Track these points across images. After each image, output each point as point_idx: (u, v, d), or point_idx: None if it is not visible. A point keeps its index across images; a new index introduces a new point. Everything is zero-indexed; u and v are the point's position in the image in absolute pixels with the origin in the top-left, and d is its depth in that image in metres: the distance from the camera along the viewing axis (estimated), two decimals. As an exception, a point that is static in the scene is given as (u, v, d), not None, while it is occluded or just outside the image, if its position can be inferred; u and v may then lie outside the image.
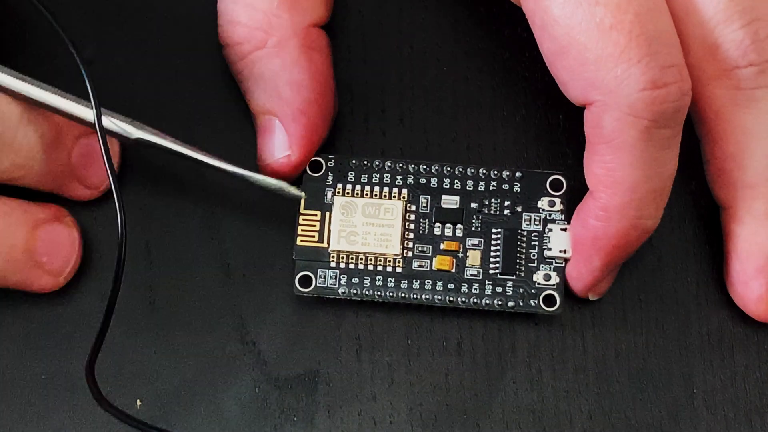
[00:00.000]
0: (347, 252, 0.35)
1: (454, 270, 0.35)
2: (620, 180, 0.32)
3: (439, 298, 0.35)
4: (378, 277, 0.35)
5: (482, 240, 0.35)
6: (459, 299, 0.35)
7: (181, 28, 0.38)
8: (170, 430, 0.35)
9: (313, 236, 0.36)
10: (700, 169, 0.36)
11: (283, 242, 0.36)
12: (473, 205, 0.36)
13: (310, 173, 0.36)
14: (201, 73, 0.38)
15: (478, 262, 0.35)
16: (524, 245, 0.35)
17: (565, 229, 0.35)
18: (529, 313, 0.35)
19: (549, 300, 0.35)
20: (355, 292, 0.35)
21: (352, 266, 0.35)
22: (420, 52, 0.38)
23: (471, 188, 0.36)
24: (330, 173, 0.36)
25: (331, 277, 0.35)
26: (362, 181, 0.36)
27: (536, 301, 0.35)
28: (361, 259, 0.35)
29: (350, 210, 0.36)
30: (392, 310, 0.36)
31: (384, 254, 0.35)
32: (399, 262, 0.35)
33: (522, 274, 0.35)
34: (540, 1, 0.31)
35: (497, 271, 0.35)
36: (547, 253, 0.35)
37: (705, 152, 0.35)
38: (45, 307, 0.36)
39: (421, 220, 0.36)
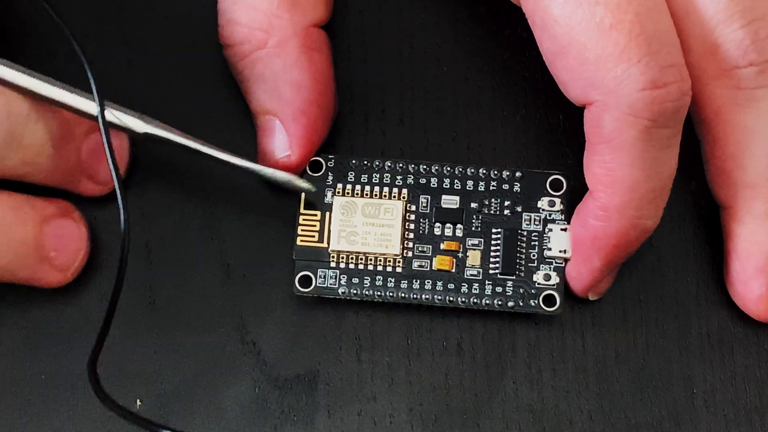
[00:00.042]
0: (347, 252, 0.35)
1: (454, 270, 0.35)
2: (620, 180, 0.32)
3: (439, 298, 0.35)
4: (378, 277, 0.35)
5: (482, 240, 0.35)
6: (459, 299, 0.35)
7: (181, 28, 0.38)
8: (168, 426, 0.35)
9: (313, 236, 0.36)
10: (700, 169, 0.36)
11: (283, 242, 0.36)
12: (473, 205, 0.36)
13: (310, 173, 0.36)
14: (201, 73, 0.38)
15: (478, 262, 0.35)
16: (524, 245, 0.35)
17: (565, 229, 0.35)
18: (529, 313, 0.35)
19: (549, 300, 0.35)
20: (355, 292, 0.35)
21: (352, 266, 0.35)
22: (420, 52, 0.38)
23: (471, 188, 0.36)
24: (330, 173, 0.36)
25: (331, 277, 0.35)
26: (362, 181, 0.36)
27: (536, 301, 0.35)
28: (361, 259, 0.35)
29: (350, 210, 0.36)
30: (392, 310, 0.36)
31: (384, 254, 0.35)
32: (399, 262, 0.35)
33: (522, 274, 0.35)
34: (540, 1, 0.31)
35: (497, 271, 0.35)
36: (547, 253, 0.35)
37: (705, 152, 0.35)
38: (45, 306, 0.36)
39: (421, 220, 0.36)
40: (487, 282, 0.35)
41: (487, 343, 0.36)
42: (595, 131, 0.32)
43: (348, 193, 0.36)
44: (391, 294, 0.35)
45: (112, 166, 0.33)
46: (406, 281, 0.35)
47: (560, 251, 0.35)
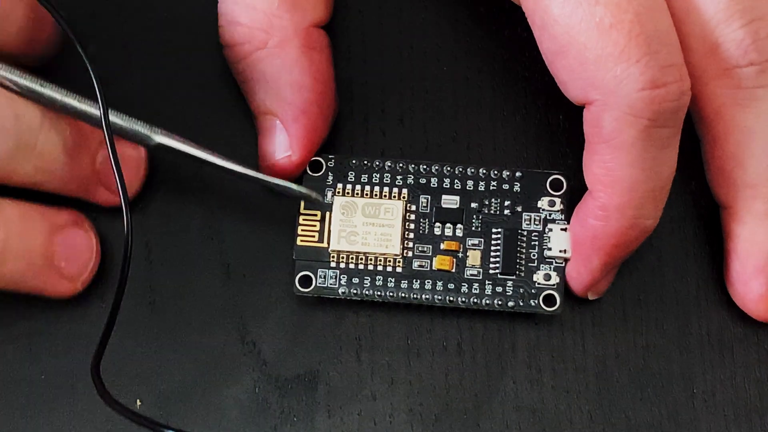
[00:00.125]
0: (347, 252, 0.35)
1: (454, 270, 0.35)
2: (619, 179, 0.32)
3: (439, 298, 0.35)
4: (378, 277, 0.35)
5: (482, 240, 0.35)
6: (459, 299, 0.35)
7: (181, 28, 0.38)
8: (171, 426, 0.35)
9: (313, 236, 0.36)
10: (700, 169, 0.36)
11: (283, 242, 0.36)
12: (473, 205, 0.36)
13: (310, 173, 0.36)
14: (201, 73, 0.38)
15: (478, 262, 0.35)
16: (524, 245, 0.35)
17: (565, 229, 0.35)
18: (529, 313, 0.35)
19: (549, 300, 0.35)
20: (355, 292, 0.35)
21: (352, 266, 0.35)
22: (420, 52, 0.38)
23: (471, 188, 0.36)
24: (330, 173, 0.36)
25: (331, 277, 0.36)
26: (362, 181, 0.36)
27: (536, 301, 0.35)
28: (361, 259, 0.35)
29: (350, 210, 0.36)
30: (392, 310, 0.36)
31: (384, 254, 0.35)
32: (399, 262, 0.35)
33: (522, 274, 0.35)
34: (540, 1, 0.31)
35: (497, 271, 0.35)
36: (547, 253, 0.35)
37: (705, 152, 0.35)
38: (45, 306, 0.36)
39: (421, 220, 0.36)
40: (487, 282, 0.35)
41: (487, 343, 0.36)
42: (595, 131, 0.32)
43: (348, 193, 0.36)
44: (391, 294, 0.35)
45: (115, 170, 0.33)
46: (406, 281, 0.35)
47: (560, 251, 0.35)
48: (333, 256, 0.35)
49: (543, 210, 0.35)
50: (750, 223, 0.34)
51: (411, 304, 0.36)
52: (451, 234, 0.36)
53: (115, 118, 0.34)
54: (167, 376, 0.36)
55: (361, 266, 0.35)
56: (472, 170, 0.36)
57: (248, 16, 0.35)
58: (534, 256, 0.35)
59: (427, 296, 0.35)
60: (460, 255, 0.35)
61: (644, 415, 0.36)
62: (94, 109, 0.34)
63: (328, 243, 0.35)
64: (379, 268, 0.35)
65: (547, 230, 0.35)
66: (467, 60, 0.38)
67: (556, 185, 0.36)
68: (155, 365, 0.36)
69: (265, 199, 0.36)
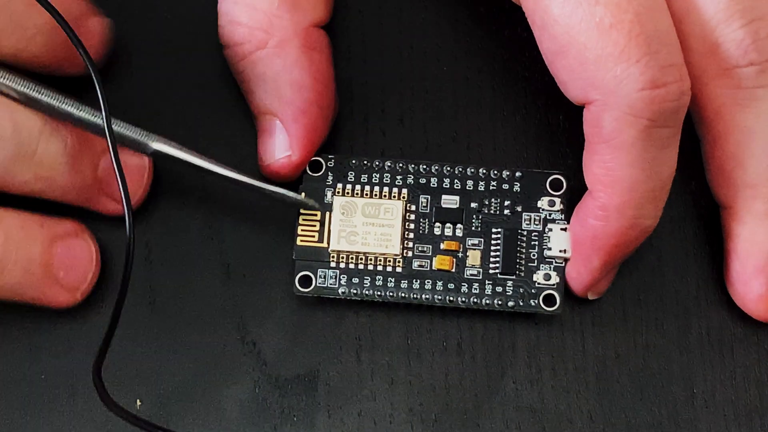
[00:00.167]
0: (347, 252, 0.35)
1: (454, 270, 0.35)
2: (619, 179, 0.32)
3: (439, 298, 0.35)
4: (378, 277, 0.35)
5: (482, 240, 0.35)
6: (459, 299, 0.35)
7: (181, 28, 0.38)
8: (174, 430, 0.36)
9: (313, 236, 0.36)
10: (700, 169, 0.36)
11: (283, 242, 0.36)
12: (473, 204, 0.36)
13: (310, 173, 0.36)
14: (201, 73, 0.38)
15: (478, 262, 0.35)
16: (524, 245, 0.35)
17: (565, 229, 0.35)
18: (529, 313, 0.35)
19: (549, 300, 0.35)
20: (355, 292, 0.35)
21: (352, 266, 0.35)
22: (420, 52, 0.38)
23: (471, 188, 0.36)
24: (330, 173, 0.36)
25: (331, 277, 0.36)
26: (362, 181, 0.36)
27: (536, 301, 0.35)
28: (361, 259, 0.35)
29: (350, 210, 0.36)
30: (392, 310, 0.36)
31: (384, 254, 0.35)
32: (399, 262, 0.35)
33: (522, 274, 0.35)
34: (540, 1, 0.31)
35: (497, 270, 0.35)
36: (547, 252, 0.35)
37: (705, 152, 0.35)
38: (45, 307, 0.36)
39: (421, 219, 0.36)
40: (487, 282, 0.35)
41: (487, 343, 0.36)
42: (595, 131, 0.32)
43: (348, 193, 0.36)
44: (391, 294, 0.35)
45: (118, 176, 0.33)
46: (406, 281, 0.35)
47: (560, 251, 0.35)
48: (333, 256, 0.35)
49: (543, 210, 0.35)
50: (750, 223, 0.34)
51: (411, 304, 0.36)
52: (451, 234, 0.36)
53: (113, 125, 0.34)
54: (167, 376, 0.36)
55: (361, 266, 0.35)
56: (472, 170, 0.36)
57: (248, 16, 0.35)
58: (534, 256, 0.35)
59: (427, 296, 0.35)
60: (460, 255, 0.35)
61: (644, 415, 0.36)
62: (93, 117, 0.34)
63: (328, 243, 0.36)
64: (379, 268, 0.35)
65: (547, 230, 0.35)
66: (467, 60, 0.38)
67: (556, 185, 0.36)
68: (155, 365, 0.36)
69: (265, 200, 0.36)
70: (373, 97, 0.38)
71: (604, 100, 0.31)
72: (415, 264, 0.35)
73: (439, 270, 0.35)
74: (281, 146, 0.35)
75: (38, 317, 0.36)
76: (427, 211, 0.36)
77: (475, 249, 0.35)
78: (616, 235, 0.33)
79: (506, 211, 0.36)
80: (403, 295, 0.35)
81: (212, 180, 0.36)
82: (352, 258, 0.35)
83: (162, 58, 0.38)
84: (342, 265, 0.35)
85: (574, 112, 0.33)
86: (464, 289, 0.35)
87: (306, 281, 0.36)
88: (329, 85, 0.36)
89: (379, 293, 0.35)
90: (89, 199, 0.36)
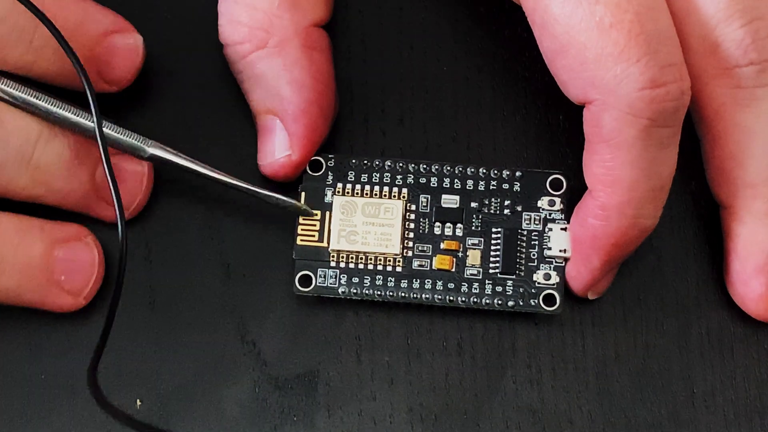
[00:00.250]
0: (347, 251, 0.35)
1: (454, 269, 0.35)
2: (619, 179, 0.32)
3: (439, 297, 0.35)
4: (378, 277, 0.35)
5: (482, 239, 0.35)
6: (459, 299, 0.35)
7: (181, 28, 0.38)
8: (172, 431, 0.36)
9: (313, 236, 0.36)
10: (700, 169, 0.36)
11: (283, 242, 0.36)
12: (473, 204, 0.36)
13: (310, 173, 0.36)
14: (201, 73, 0.38)
15: (478, 262, 0.35)
16: (524, 245, 0.35)
17: (565, 229, 0.35)
18: (529, 313, 0.35)
19: (549, 299, 0.35)
20: (355, 291, 0.35)
21: (352, 266, 0.35)
22: (420, 52, 0.38)
23: (471, 188, 0.36)
24: (330, 173, 0.36)
25: (331, 277, 0.36)
26: (362, 180, 0.36)
27: (536, 301, 0.35)
28: (361, 258, 0.35)
29: (350, 209, 0.36)
30: (392, 310, 0.36)
31: (384, 254, 0.35)
32: (399, 261, 0.35)
33: (522, 274, 0.35)
34: (540, 0, 0.31)
35: (497, 270, 0.35)
36: (547, 252, 0.35)
37: (705, 151, 0.35)
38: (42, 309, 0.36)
39: (421, 219, 0.36)
40: (487, 281, 0.35)
41: (487, 343, 0.36)
42: (595, 130, 0.32)
43: (348, 193, 0.36)
44: (391, 294, 0.35)
45: (109, 179, 0.33)
46: (406, 281, 0.35)
47: (560, 251, 0.35)
48: (333, 256, 0.35)
49: (543, 210, 0.35)
50: (750, 222, 0.34)
51: (411, 304, 0.36)
52: (451, 234, 0.36)
53: (109, 130, 0.35)
54: (167, 376, 0.36)
55: (361, 266, 0.35)
56: (472, 170, 0.36)
57: (248, 16, 0.35)
58: (534, 255, 0.35)
59: (427, 296, 0.35)
60: (460, 255, 0.35)
61: (644, 415, 0.36)
62: (88, 122, 0.34)
63: (328, 242, 0.36)
64: (379, 267, 0.35)
65: (547, 230, 0.35)
66: (467, 60, 0.38)
67: (556, 185, 0.36)
68: (155, 365, 0.36)
69: (265, 201, 0.36)
70: (373, 97, 0.38)
71: (604, 100, 0.31)
72: (415, 264, 0.35)
73: (439, 270, 0.35)
74: (281, 146, 0.35)
75: (38, 318, 0.36)
76: (427, 210, 0.36)
77: (475, 249, 0.35)
78: (616, 235, 0.33)
79: (506, 211, 0.36)
80: (403, 294, 0.35)
81: (211, 182, 0.36)
82: (352, 258, 0.35)
83: (162, 58, 0.38)
84: (342, 265, 0.35)
85: (574, 112, 0.33)
86: (464, 288, 0.35)
87: (306, 281, 0.36)
88: (329, 85, 0.36)
89: (379, 293, 0.35)
90: (88, 206, 0.36)
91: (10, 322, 0.37)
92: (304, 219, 0.36)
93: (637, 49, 0.31)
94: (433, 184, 0.36)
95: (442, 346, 0.36)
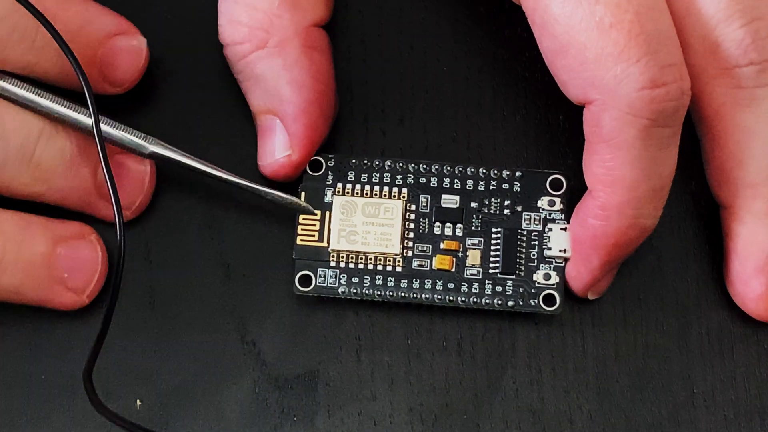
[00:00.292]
0: (347, 251, 0.35)
1: (453, 269, 0.35)
2: (619, 179, 0.32)
3: (439, 297, 0.35)
4: (378, 277, 0.35)
5: (482, 239, 0.35)
6: (459, 299, 0.35)
7: (181, 28, 0.38)
8: (166, 430, 0.36)
9: (313, 235, 0.36)
10: (700, 169, 0.36)
11: (283, 242, 0.36)
12: (473, 204, 0.36)
13: (310, 173, 0.36)
14: (201, 73, 0.38)
15: (478, 262, 0.35)
16: (524, 245, 0.35)
17: (565, 229, 0.35)
18: (529, 313, 0.35)
19: (549, 299, 0.35)
20: (355, 291, 0.35)
21: (352, 265, 0.35)
22: (420, 52, 0.38)
23: (471, 188, 0.36)
24: (330, 173, 0.36)
25: (330, 277, 0.36)
26: (362, 180, 0.36)
27: (536, 301, 0.35)
28: (361, 258, 0.35)
29: (350, 209, 0.36)
30: (392, 309, 0.36)
31: (384, 254, 0.35)
32: (399, 261, 0.35)
33: (522, 274, 0.35)
34: (540, 0, 0.31)
35: (497, 270, 0.35)
36: (547, 252, 0.35)
37: (705, 151, 0.35)
38: (45, 308, 0.36)
39: (421, 219, 0.36)
40: (487, 281, 0.35)
41: (487, 343, 0.36)
42: (595, 130, 0.32)
43: (348, 193, 0.36)
44: (391, 293, 0.35)
45: (106, 175, 0.33)
46: (406, 281, 0.35)
47: (560, 251, 0.35)
48: (333, 256, 0.35)
49: (543, 210, 0.35)
50: (750, 222, 0.34)
51: (411, 304, 0.36)
52: (450, 233, 0.36)
53: (109, 127, 0.35)
54: (167, 376, 0.36)
55: (360, 266, 0.35)
56: (472, 170, 0.36)
57: (248, 16, 0.35)
58: (534, 255, 0.35)
59: (427, 296, 0.35)
60: (460, 254, 0.35)
61: (644, 415, 0.36)
62: (88, 120, 0.34)
63: (328, 242, 0.36)
64: (379, 267, 0.35)
65: (546, 230, 0.35)
66: (467, 60, 0.38)
67: (556, 185, 0.36)
68: (155, 365, 0.36)
69: (265, 201, 0.36)
70: (373, 97, 0.38)
71: (603, 100, 0.31)
72: (415, 263, 0.35)
73: (439, 270, 0.35)
74: (281, 145, 0.35)
75: (38, 317, 0.36)
76: (427, 210, 0.36)
77: (475, 249, 0.35)
78: (615, 235, 0.33)
79: (506, 211, 0.36)
80: (403, 294, 0.35)
81: (211, 180, 0.36)
82: (352, 257, 0.35)
83: (162, 59, 0.38)
84: (342, 265, 0.35)
85: (574, 112, 0.33)
86: (464, 288, 0.35)
87: (306, 281, 0.36)
88: (329, 85, 0.36)
89: (379, 293, 0.35)
90: (89, 204, 0.36)
91: (10, 322, 0.37)
92: (304, 219, 0.36)
93: (637, 49, 0.31)
94: (433, 184, 0.36)
95: (442, 346, 0.36)
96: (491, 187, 0.36)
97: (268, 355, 0.36)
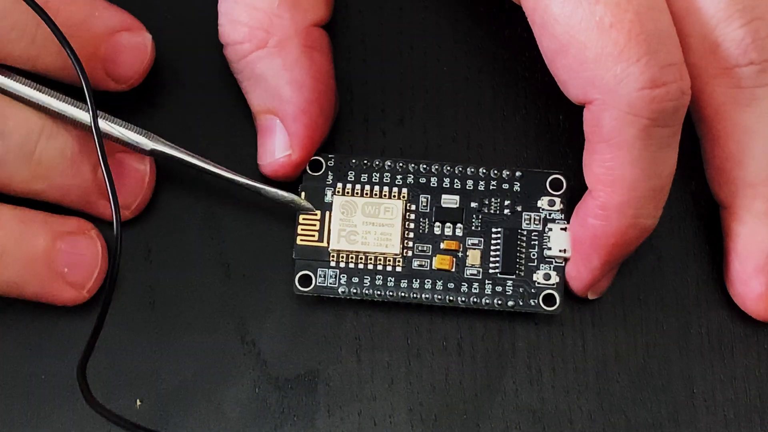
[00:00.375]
0: (347, 251, 0.35)
1: (453, 269, 0.35)
2: (619, 179, 0.32)
3: (439, 297, 0.35)
4: (378, 277, 0.35)
5: (482, 239, 0.35)
6: (459, 299, 0.35)
7: (181, 28, 0.38)
8: (165, 429, 0.35)
9: (313, 235, 0.36)
10: (700, 169, 0.36)
11: (283, 242, 0.36)
12: (473, 204, 0.36)
13: (310, 173, 0.36)
14: (201, 73, 0.38)
15: (478, 262, 0.35)
16: (524, 245, 0.35)
17: (565, 229, 0.35)
18: (529, 313, 0.35)
19: (549, 299, 0.35)
20: (354, 291, 0.35)
21: (352, 265, 0.35)
22: (420, 52, 0.38)
23: (471, 188, 0.36)
24: (330, 172, 0.36)
25: (330, 277, 0.36)
26: (362, 180, 0.36)
27: (536, 301, 0.35)
28: (361, 258, 0.35)
29: (350, 209, 0.36)
30: (392, 309, 0.36)
31: (384, 253, 0.35)
32: (399, 261, 0.35)
33: (522, 274, 0.35)
34: (540, 0, 0.31)
35: (497, 270, 0.35)
36: (547, 252, 0.35)
37: (705, 151, 0.35)
38: (45, 306, 0.36)
39: (421, 219, 0.36)
40: (487, 281, 0.35)
41: (487, 343, 0.36)
42: (595, 130, 0.32)
43: (348, 193, 0.36)
44: (391, 293, 0.35)
45: (104, 171, 0.33)
46: (406, 280, 0.35)
47: (560, 251, 0.35)
48: (333, 256, 0.35)
49: (543, 210, 0.35)
50: (750, 222, 0.34)
51: (411, 304, 0.36)
52: (450, 233, 0.36)
53: (110, 123, 0.35)
54: (167, 376, 0.36)
55: (360, 265, 0.35)
56: (472, 170, 0.36)
57: (249, 15, 0.35)
58: (534, 255, 0.35)
59: (427, 296, 0.35)
60: (460, 254, 0.35)
61: (644, 415, 0.36)
62: (88, 116, 0.34)
63: (328, 242, 0.36)
64: (379, 267, 0.35)
65: (546, 230, 0.35)
66: (467, 60, 0.38)
67: (556, 185, 0.36)
68: (155, 365, 0.36)
69: (265, 200, 0.36)
70: (373, 97, 0.38)
71: (603, 100, 0.31)
72: (415, 263, 0.35)
73: (439, 270, 0.35)
74: (281, 145, 0.35)
75: (38, 317, 0.36)
76: (427, 210, 0.36)
77: (475, 249, 0.35)
78: (616, 235, 0.33)
79: (506, 211, 0.36)
80: (403, 294, 0.35)
81: (212, 180, 0.36)
82: (352, 257, 0.35)
83: (162, 58, 0.38)
84: (342, 265, 0.35)
85: (574, 112, 0.33)
86: (464, 288, 0.35)
87: (306, 280, 0.36)
88: (329, 85, 0.36)
89: (379, 293, 0.35)
90: (88, 203, 0.36)
91: (10, 322, 0.37)
92: (304, 219, 0.36)
93: (637, 49, 0.31)
94: (433, 184, 0.36)
95: (442, 346, 0.36)
96: (491, 187, 0.36)
97: (268, 355, 0.36)
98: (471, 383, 0.36)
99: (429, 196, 0.36)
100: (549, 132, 0.37)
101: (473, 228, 0.36)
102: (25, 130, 0.34)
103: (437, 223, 0.36)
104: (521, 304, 0.35)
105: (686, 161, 0.34)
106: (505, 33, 0.38)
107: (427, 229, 0.36)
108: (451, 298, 0.35)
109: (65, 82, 0.35)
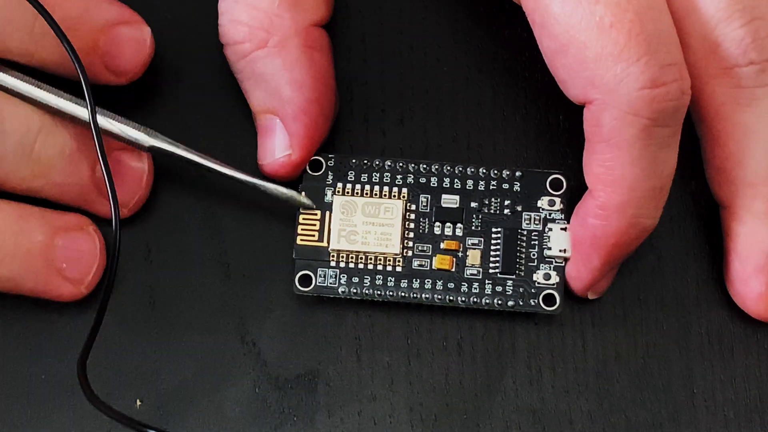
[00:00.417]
0: (347, 251, 0.35)
1: (453, 269, 0.35)
2: (619, 178, 0.32)
3: (439, 297, 0.35)
4: (378, 277, 0.35)
5: (482, 239, 0.35)
6: (459, 299, 0.35)
7: (181, 28, 0.38)
8: (165, 429, 0.35)
9: (313, 235, 0.36)
10: (700, 169, 0.36)
11: (283, 242, 0.36)
12: (473, 204, 0.36)
13: (310, 172, 0.36)
14: (201, 73, 0.38)
15: (478, 262, 0.35)
16: (524, 245, 0.35)
17: (565, 229, 0.35)
18: (529, 313, 0.35)
19: (549, 299, 0.35)
20: (355, 291, 0.35)
21: (352, 265, 0.35)
22: (420, 52, 0.38)
23: (471, 188, 0.36)
24: (330, 172, 0.36)
25: (331, 277, 0.35)
26: (362, 180, 0.36)
27: (536, 301, 0.35)
28: (361, 258, 0.35)
29: (350, 209, 0.36)
30: (392, 309, 0.36)
31: (384, 253, 0.35)
32: (399, 261, 0.35)
33: (522, 274, 0.35)
34: (540, 0, 0.31)
35: (497, 270, 0.35)
36: (547, 252, 0.35)
37: (705, 151, 0.35)
38: (45, 305, 0.36)
39: (421, 219, 0.36)
40: (487, 281, 0.35)
41: (487, 343, 0.36)
42: (595, 130, 0.32)
43: (348, 193, 0.36)
44: (391, 293, 0.35)
45: (103, 168, 0.33)
46: (406, 280, 0.35)
47: (560, 251, 0.35)
48: (333, 256, 0.35)
49: (543, 210, 0.35)
50: (750, 222, 0.34)
51: (411, 304, 0.36)
52: (450, 233, 0.36)
53: (108, 119, 0.35)
54: (167, 376, 0.36)
55: (360, 265, 0.35)
56: (472, 170, 0.36)
57: (249, 15, 0.35)
58: (534, 255, 0.35)
59: (427, 296, 0.35)
60: (460, 254, 0.35)
61: (644, 415, 0.36)
62: (86, 111, 0.34)
63: (328, 242, 0.35)
64: (379, 267, 0.35)
65: (547, 230, 0.35)
66: (467, 60, 0.38)
67: (556, 185, 0.36)
68: (155, 365, 0.36)
69: (265, 199, 0.36)
70: (373, 97, 0.38)
71: (604, 99, 0.31)
72: (415, 263, 0.35)
73: (439, 269, 0.35)
74: (281, 145, 0.35)
75: (38, 316, 0.36)
76: (427, 210, 0.36)
77: (475, 249, 0.35)
78: (616, 235, 0.33)
79: (506, 211, 0.36)
80: (403, 294, 0.35)
81: (212, 179, 0.36)
82: (352, 257, 0.35)
83: (162, 58, 0.38)
84: (342, 265, 0.35)
85: (574, 112, 0.33)
86: (464, 288, 0.35)
87: (306, 280, 0.36)
88: (330, 85, 0.36)
89: (379, 293, 0.35)
90: (86, 200, 0.36)
91: (10, 322, 0.37)
92: (304, 218, 0.36)
93: (637, 49, 0.31)
94: (433, 184, 0.36)
95: (442, 346, 0.36)
96: (491, 187, 0.36)
97: (268, 355, 0.36)
98: (471, 383, 0.36)
99: (429, 196, 0.36)
100: (549, 132, 0.37)
101: (473, 228, 0.36)
102: (24, 127, 0.34)
103: (437, 223, 0.36)
104: (521, 304, 0.35)
105: (686, 161, 0.34)
106: (505, 33, 0.38)
107: (427, 229, 0.36)
108: (451, 298, 0.35)
109: (64, 76, 0.35)
